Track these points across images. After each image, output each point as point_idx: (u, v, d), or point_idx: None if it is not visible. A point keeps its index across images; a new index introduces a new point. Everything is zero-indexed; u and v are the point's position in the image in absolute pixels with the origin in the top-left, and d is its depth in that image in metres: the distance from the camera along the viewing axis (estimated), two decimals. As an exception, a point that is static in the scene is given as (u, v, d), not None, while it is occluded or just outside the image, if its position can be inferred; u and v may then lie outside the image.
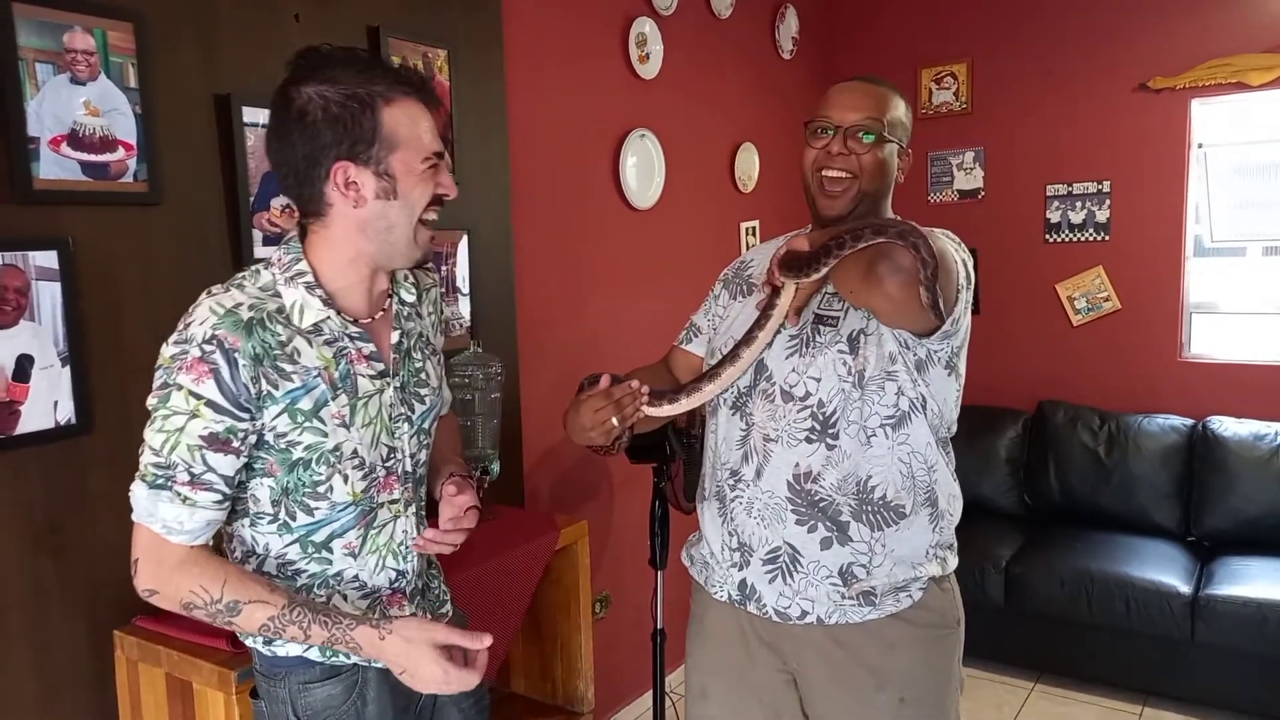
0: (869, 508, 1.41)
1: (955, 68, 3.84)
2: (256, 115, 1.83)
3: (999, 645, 3.26)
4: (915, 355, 1.39)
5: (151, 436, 1.13)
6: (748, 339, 1.40)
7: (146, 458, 1.13)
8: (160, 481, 1.12)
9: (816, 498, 1.41)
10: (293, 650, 1.22)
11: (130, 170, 1.67)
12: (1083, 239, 3.66)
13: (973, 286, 1.39)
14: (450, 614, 1.41)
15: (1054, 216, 3.70)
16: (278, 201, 1.88)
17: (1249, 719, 2.90)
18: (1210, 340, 3.58)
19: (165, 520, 1.12)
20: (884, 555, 1.42)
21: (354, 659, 1.23)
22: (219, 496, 1.14)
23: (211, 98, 1.79)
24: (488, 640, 1.17)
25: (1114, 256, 3.61)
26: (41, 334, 1.56)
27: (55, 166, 1.57)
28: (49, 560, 1.59)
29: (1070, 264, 3.69)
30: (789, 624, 1.46)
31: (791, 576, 1.44)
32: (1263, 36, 3.28)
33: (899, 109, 1.46)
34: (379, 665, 1.25)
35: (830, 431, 1.40)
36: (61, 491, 1.61)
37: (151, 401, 1.13)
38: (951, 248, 1.36)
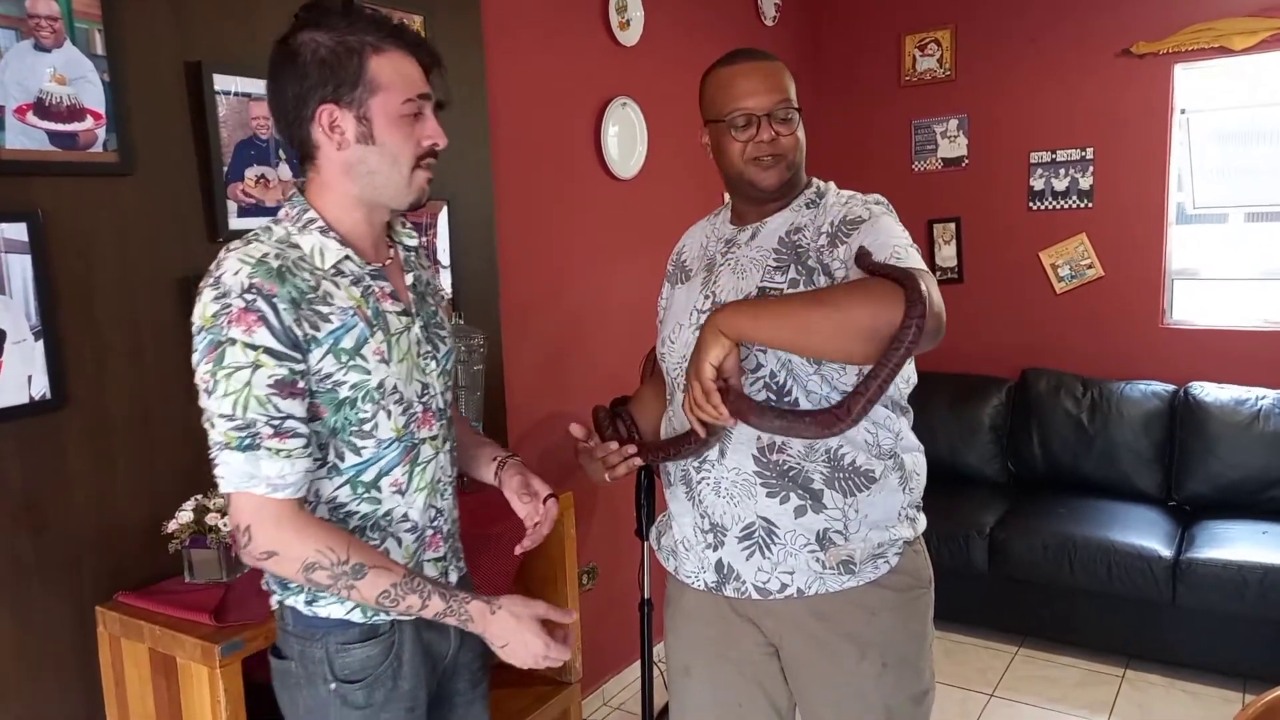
0: (840, 474, 1.41)
1: (939, 34, 3.81)
2: (229, 83, 1.80)
3: (983, 610, 3.30)
4: None
5: (218, 403, 1.10)
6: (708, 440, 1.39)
7: (222, 426, 1.11)
8: (249, 442, 1.11)
9: (785, 467, 1.41)
10: (335, 612, 1.23)
11: (100, 140, 1.63)
12: (1066, 206, 3.66)
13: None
14: (464, 570, 1.45)
15: (1038, 184, 3.70)
16: (252, 172, 1.85)
17: (1230, 680, 2.94)
18: (1192, 307, 3.60)
19: (269, 478, 1.12)
20: (859, 521, 1.42)
21: (391, 617, 1.25)
22: (305, 441, 1.15)
23: (183, 65, 1.75)
24: (575, 615, 1.26)
25: (1097, 224, 3.61)
26: (13, 308, 1.53)
27: (22, 136, 1.53)
28: (27, 537, 1.57)
29: (1054, 232, 3.69)
30: (769, 599, 1.46)
31: (769, 549, 1.44)
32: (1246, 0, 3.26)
33: (790, 77, 1.47)
34: (412, 624, 1.28)
35: (787, 400, 1.40)
36: (38, 467, 1.58)
37: (205, 368, 1.10)
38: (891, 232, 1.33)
